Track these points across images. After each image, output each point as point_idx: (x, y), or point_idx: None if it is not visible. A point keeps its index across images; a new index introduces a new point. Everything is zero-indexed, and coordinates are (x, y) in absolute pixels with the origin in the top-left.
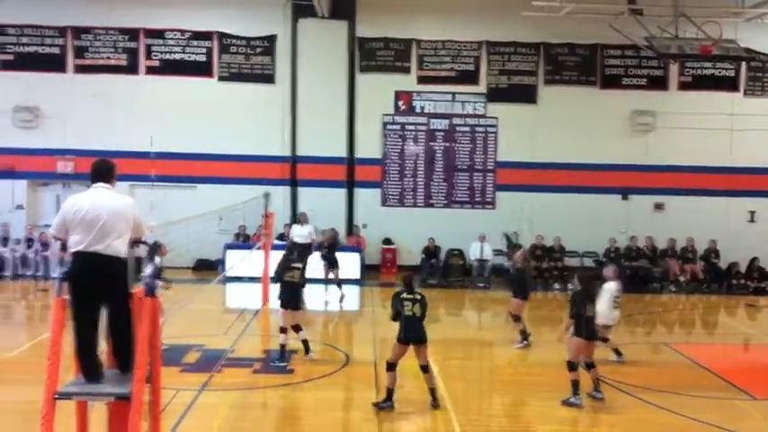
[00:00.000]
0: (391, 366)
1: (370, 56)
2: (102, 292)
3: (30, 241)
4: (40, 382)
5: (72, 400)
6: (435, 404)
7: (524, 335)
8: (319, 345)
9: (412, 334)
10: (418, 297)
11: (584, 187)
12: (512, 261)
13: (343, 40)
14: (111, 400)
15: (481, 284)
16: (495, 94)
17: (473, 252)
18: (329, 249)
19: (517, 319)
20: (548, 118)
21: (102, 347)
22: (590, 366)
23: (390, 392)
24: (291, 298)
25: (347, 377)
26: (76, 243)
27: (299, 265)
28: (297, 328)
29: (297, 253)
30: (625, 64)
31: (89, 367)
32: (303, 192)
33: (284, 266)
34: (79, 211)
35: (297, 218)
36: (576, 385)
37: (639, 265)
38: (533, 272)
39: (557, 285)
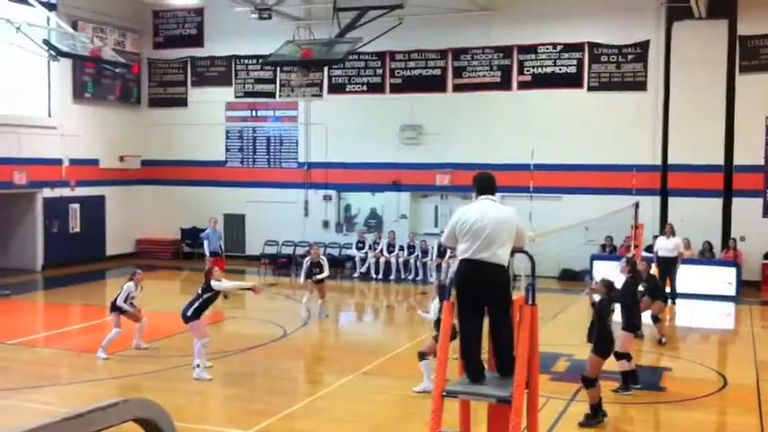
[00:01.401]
0: (593, 383)
1: (752, 55)
2: (486, 298)
3: (411, 248)
4: (417, 378)
5: (457, 399)
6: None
7: None
8: (691, 364)
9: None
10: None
11: None
12: None
13: (721, 40)
14: (493, 402)
15: None
16: None
17: None
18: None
19: None
20: None
21: (485, 351)
22: None
23: (595, 407)
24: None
25: (723, 400)
26: (464, 251)
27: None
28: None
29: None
30: None
31: (473, 369)
32: (674, 202)
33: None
34: (467, 221)
35: (663, 229)
36: None
37: None
38: None
39: None
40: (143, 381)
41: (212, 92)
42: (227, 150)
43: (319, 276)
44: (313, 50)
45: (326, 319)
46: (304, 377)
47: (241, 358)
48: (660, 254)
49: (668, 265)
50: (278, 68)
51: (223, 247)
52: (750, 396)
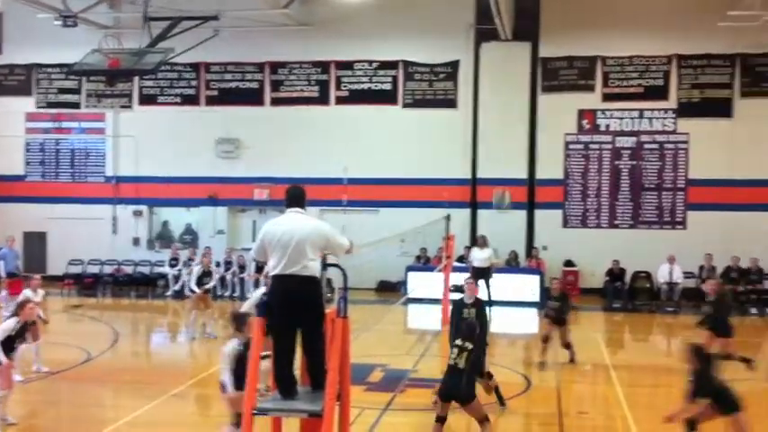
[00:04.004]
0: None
1: (552, 76)
2: (299, 313)
3: (228, 264)
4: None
5: (268, 416)
6: None
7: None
8: (499, 368)
9: (451, 389)
10: (468, 346)
11: None
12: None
13: (525, 61)
14: (305, 417)
15: (670, 309)
16: (686, 110)
17: (662, 274)
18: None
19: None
20: (745, 132)
21: (297, 365)
22: None
23: None
24: (452, 386)
25: (528, 401)
26: (274, 266)
27: (470, 346)
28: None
29: (468, 326)
30: None
31: (285, 384)
32: (482, 214)
33: (453, 336)
34: (275, 234)
35: (476, 240)
36: None
37: None
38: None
39: (754, 310)
40: None
41: (11, 102)
42: (27, 164)
43: (208, 286)
44: (121, 60)
45: (215, 339)
46: (110, 403)
47: (42, 386)
48: (475, 264)
49: (483, 275)
50: (83, 78)
51: (21, 268)
52: (551, 397)
